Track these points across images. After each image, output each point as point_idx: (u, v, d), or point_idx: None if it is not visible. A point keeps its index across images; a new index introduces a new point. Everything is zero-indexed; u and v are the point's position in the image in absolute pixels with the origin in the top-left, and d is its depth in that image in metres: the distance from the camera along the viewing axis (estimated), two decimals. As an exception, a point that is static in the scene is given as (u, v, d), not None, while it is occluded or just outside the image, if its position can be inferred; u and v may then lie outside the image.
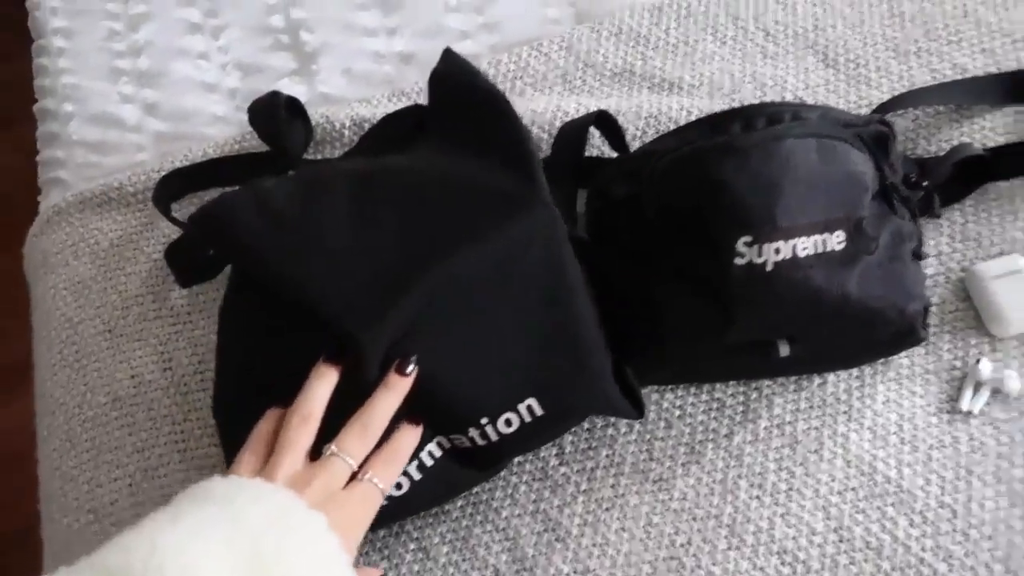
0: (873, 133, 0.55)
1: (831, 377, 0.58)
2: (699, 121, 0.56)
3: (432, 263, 0.50)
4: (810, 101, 0.67)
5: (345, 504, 0.46)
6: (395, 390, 0.49)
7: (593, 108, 0.68)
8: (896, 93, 0.67)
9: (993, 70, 0.67)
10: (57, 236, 0.73)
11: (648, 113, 0.67)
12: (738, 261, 0.51)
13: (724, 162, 0.51)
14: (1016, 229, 0.61)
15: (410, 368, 0.48)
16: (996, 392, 0.56)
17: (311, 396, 0.47)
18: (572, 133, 0.62)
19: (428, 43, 0.76)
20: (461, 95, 0.57)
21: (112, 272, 0.69)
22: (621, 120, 0.67)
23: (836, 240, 0.51)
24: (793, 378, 0.58)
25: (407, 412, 0.50)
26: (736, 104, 0.67)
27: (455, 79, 0.57)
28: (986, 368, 0.56)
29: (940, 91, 0.65)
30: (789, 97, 0.67)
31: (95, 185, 0.73)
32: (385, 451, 0.49)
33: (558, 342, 0.52)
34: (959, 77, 0.67)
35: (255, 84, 0.77)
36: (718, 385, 0.59)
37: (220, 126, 0.75)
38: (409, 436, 0.50)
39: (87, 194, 0.73)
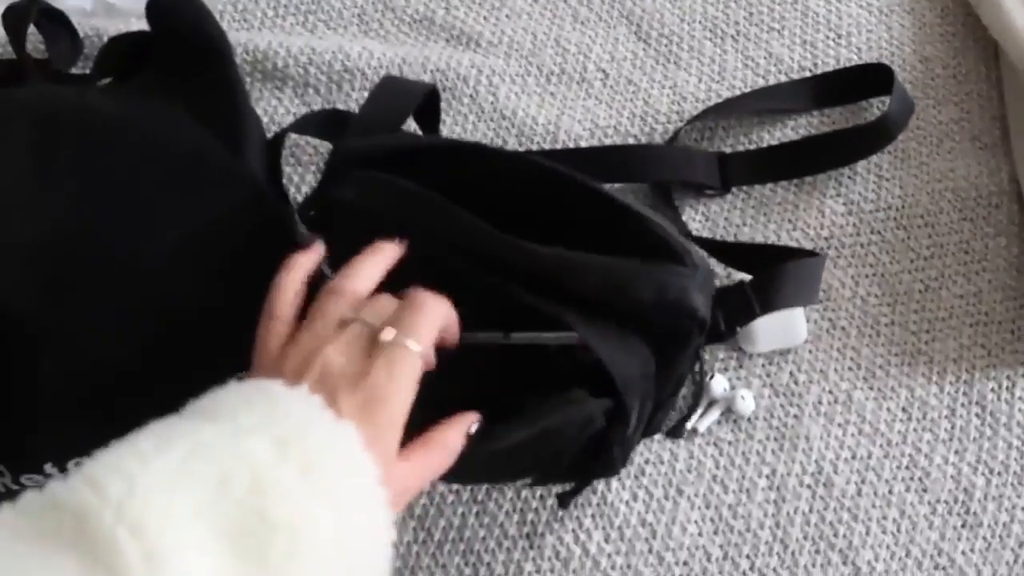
0: (665, 332, 0.38)
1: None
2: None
3: (104, 250, 0.42)
4: (612, 73, 0.59)
5: (362, 378, 0.32)
6: (381, 255, 0.37)
7: (379, 54, 0.60)
8: (704, 77, 0.59)
9: (809, 65, 0.59)
10: None
11: (435, 67, 0.59)
12: None
13: None
14: (791, 240, 0.54)
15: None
16: (728, 412, 0.51)
17: (273, 291, 0.36)
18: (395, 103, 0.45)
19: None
20: (181, 35, 0.48)
21: None
22: (407, 71, 0.59)
23: None
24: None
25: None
26: (532, 66, 0.60)
27: (177, 14, 0.48)
28: (719, 386, 0.50)
29: (748, 100, 0.57)
30: (591, 68, 0.60)
31: None
32: (412, 308, 0.35)
33: None
34: (772, 68, 0.59)
35: (42, -15, 0.67)
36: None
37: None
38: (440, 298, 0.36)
39: None
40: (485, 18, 0.62)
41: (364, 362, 0.33)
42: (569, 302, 0.36)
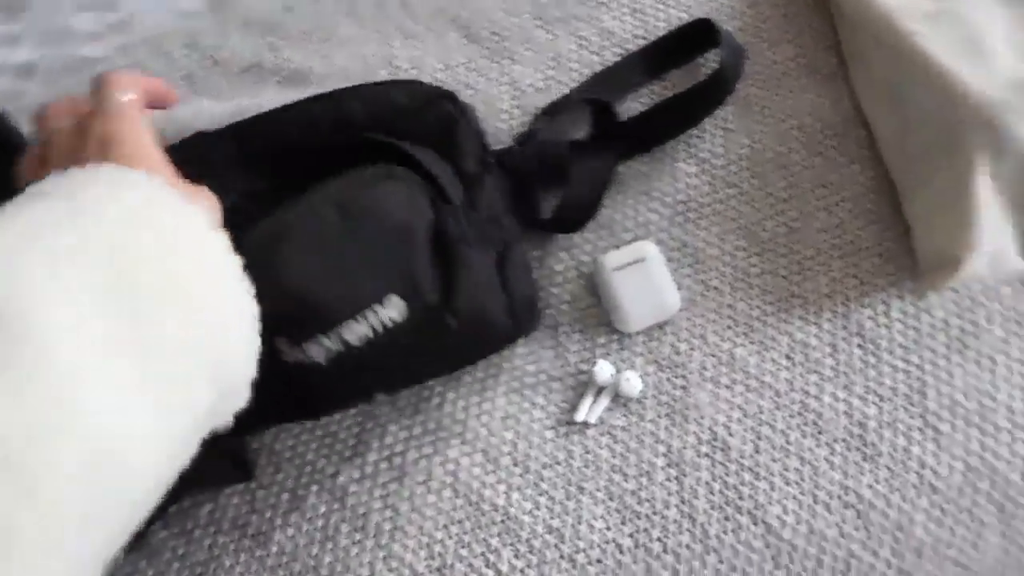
0: (434, 123, 0.47)
1: (450, 395, 0.51)
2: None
3: None
4: (449, 81, 0.59)
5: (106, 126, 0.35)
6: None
7: (210, 110, 0.59)
8: (541, 66, 0.58)
9: (641, 33, 0.59)
10: None
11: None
12: (286, 359, 0.42)
13: None
14: (650, 211, 0.54)
15: None
16: (617, 397, 0.50)
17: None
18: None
19: (53, 51, 0.65)
20: None
21: None
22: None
23: (392, 308, 0.42)
24: (412, 400, 0.51)
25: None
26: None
27: None
28: (603, 372, 0.49)
29: (585, 89, 0.56)
30: (427, 80, 0.58)
31: None
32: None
33: None
34: (605, 43, 0.59)
35: None
36: (336, 416, 0.51)
37: None
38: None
39: None
40: (314, 52, 0.60)
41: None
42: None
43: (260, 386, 0.36)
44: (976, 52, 0.46)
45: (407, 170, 0.45)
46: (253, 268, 0.37)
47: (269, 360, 0.37)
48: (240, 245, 0.39)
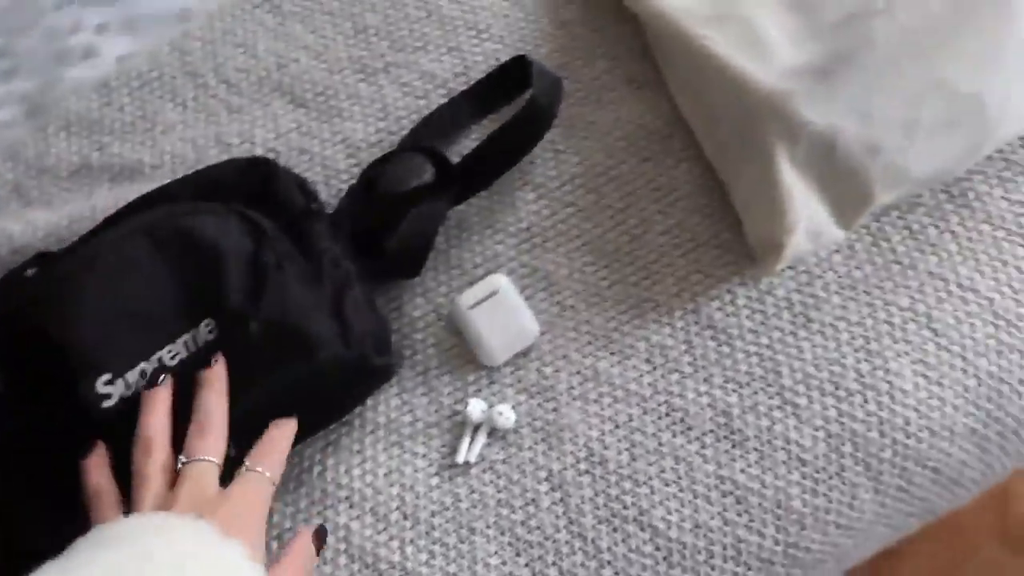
0: (252, 183, 0.50)
1: (330, 461, 0.51)
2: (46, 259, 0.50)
3: None
4: (283, 149, 0.59)
5: (226, 501, 0.41)
6: (212, 384, 0.45)
7: (44, 222, 0.57)
8: (370, 119, 0.59)
9: (461, 71, 0.60)
10: None
11: (103, 212, 0.57)
12: (107, 404, 0.43)
13: (38, 315, 0.43)
14: (496, 244, 0.55)
15: (215, 361, 0.45)
16: (494, 431, 0.51)
17: (143, 423, 0.43)
18: None
19: None
20: None
21: None
22: (76, 228, 0.57)
23: (207, 330, 0.45)
24: (295, 472, 0.51)
25: None
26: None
27: None
28: (476, 410, 0.50)
29: (418, 134, 0.57)
30: (260, 151, 0.59)
31: None
32: (262, 442, 0.45)
33: None
34: (428, 86, 0.60)
35: None
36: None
37: None
38: (284, 428, 0.46)
39: None
40: (141, 143, 0.59)
41: (222, 492, 0.42)
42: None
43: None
44: (758, 46, 0.48)
45: (221, 205, 0.48)
46: (58, 302, 0.43)
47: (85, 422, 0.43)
48: (47, 277, 0.45)
